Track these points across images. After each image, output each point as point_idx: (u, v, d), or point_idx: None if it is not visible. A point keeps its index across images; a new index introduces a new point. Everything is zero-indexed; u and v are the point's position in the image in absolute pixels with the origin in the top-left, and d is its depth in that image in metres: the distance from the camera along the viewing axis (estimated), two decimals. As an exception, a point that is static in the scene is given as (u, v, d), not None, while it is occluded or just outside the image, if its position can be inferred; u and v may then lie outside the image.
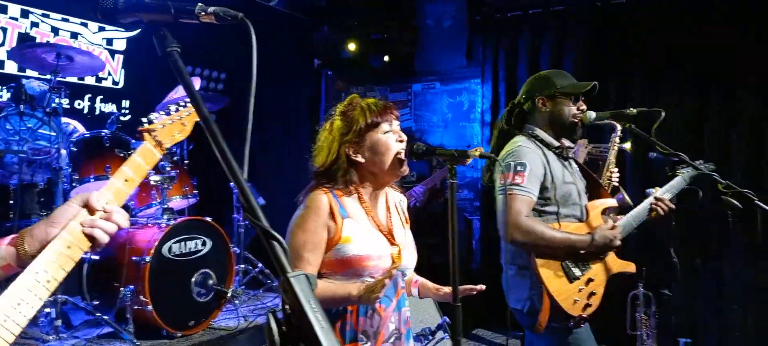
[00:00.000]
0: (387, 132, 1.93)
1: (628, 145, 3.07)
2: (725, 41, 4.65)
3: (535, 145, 2.62)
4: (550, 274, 2.48)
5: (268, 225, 0.86)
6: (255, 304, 4.76)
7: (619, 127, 2.88)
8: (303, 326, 0.80)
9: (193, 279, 3.89)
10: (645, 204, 2.70)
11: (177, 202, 4.34)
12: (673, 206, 2.73)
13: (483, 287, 2.07)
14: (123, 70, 5.39)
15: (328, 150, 1.94)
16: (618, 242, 2.56)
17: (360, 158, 1.92)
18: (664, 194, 2.75)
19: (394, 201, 2.10)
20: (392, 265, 1.89)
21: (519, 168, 2.51)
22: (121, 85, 5.39)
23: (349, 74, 6.70)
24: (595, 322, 2.65)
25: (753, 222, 4.61)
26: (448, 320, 3.21)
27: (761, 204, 2.33)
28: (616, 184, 2.95)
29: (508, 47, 5.87)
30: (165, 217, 3.98)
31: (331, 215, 1.86)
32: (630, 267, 2.67)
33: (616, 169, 2.97)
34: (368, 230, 1.91)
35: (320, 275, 1.88)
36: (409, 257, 1.99)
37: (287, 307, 0.82)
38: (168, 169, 4.11)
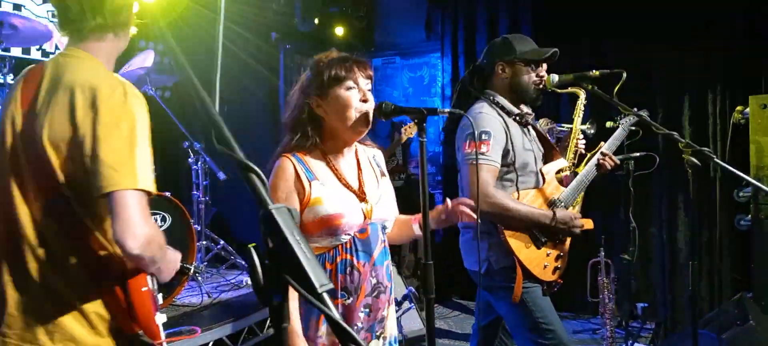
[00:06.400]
0: (351, 89, 1.90)
1: (588, 127, 3.03)
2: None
3: (496, 111, 2.63)
4: (518, 244, 2.52)
5: (244, 156, 0.83)
6: (218, 281, 4.69)
7: (583, 95, 2.88)
8: (287, 259, 0.77)
9: (154, 256, 3.79)
10: (591, 163, 2.74)
11: (134, 178, 4.19)
12: (618, 162, 2.81)
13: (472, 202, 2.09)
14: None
15: (294, 102, 1.94)
16: (577, 230, 2.58)
17: (321, 112, 1.91)
18: (609, 148, 2.82)
19: (368, 156, 2.08)
20: (364, 221, 1.88)
21: (484, 136, 2.52)
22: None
23: (309, 48, 6.58)
24: (558, 291, 2.67)
25: (697, 184, 4.79)
26: (413, 290, 3.22)
27: (719, 161, 2.38)
28: (583, 151, 2.91)
29: (466, 21, 5.89)
30: (123, 193, 3.85)
31: (298, 178, 1.85)
32: (589, 224, 2.68)
33: (582, 137, 2.95)
34: (336, 189, 1.90)
35: None
36: (384, 209, 1.97)
37: (269, 241, 0.79)
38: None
